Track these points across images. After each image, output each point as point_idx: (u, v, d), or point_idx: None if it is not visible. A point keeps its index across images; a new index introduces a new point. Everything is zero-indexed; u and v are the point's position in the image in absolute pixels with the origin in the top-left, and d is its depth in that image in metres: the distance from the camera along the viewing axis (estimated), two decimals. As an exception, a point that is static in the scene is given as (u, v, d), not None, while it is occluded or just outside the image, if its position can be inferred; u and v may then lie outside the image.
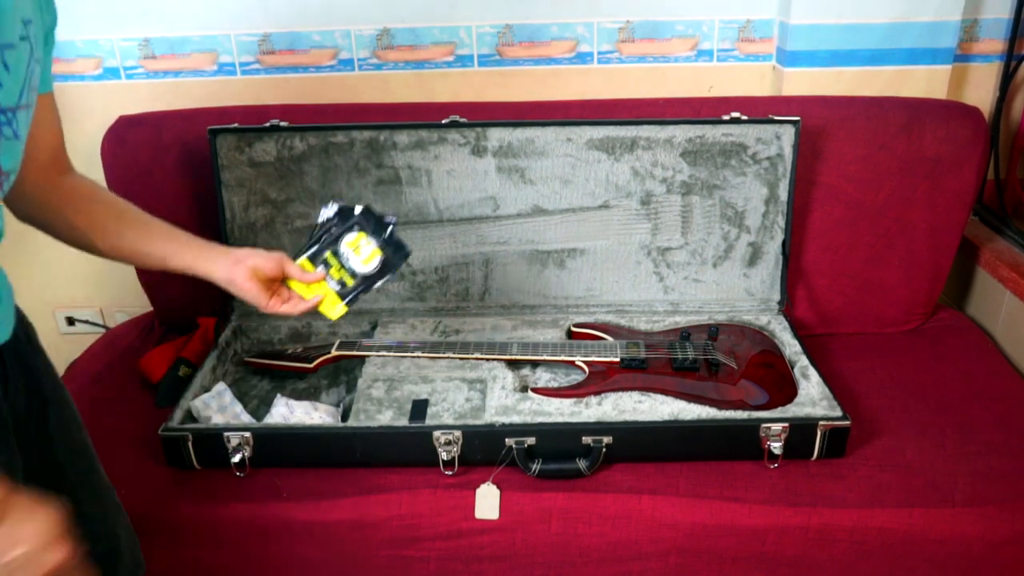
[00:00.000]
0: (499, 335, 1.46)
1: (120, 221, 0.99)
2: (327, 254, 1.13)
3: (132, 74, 1.73)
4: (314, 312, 1.09)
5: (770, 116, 1.43)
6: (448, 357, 1.36)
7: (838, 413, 1.21)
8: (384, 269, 1.15)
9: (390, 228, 1.15)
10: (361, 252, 1.14)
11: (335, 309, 1.13)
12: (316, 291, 1.11)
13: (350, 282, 1.13)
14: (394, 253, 1.15)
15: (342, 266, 1.13)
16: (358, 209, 1.15)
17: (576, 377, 1.33)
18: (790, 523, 1.13)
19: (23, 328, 0.88)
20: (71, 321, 1.98)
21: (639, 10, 1.67)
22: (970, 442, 1.24)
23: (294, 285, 1.11)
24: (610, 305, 1.54)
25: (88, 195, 0.98)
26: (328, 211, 1.15)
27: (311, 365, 1.37)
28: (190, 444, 1.20)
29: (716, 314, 1.52)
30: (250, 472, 1.21)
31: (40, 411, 0.88)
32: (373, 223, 1.14)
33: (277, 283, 1.09)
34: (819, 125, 1.48)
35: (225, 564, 1.20)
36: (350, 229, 1.14)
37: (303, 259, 1.13)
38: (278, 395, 1.33)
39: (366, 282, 1.14)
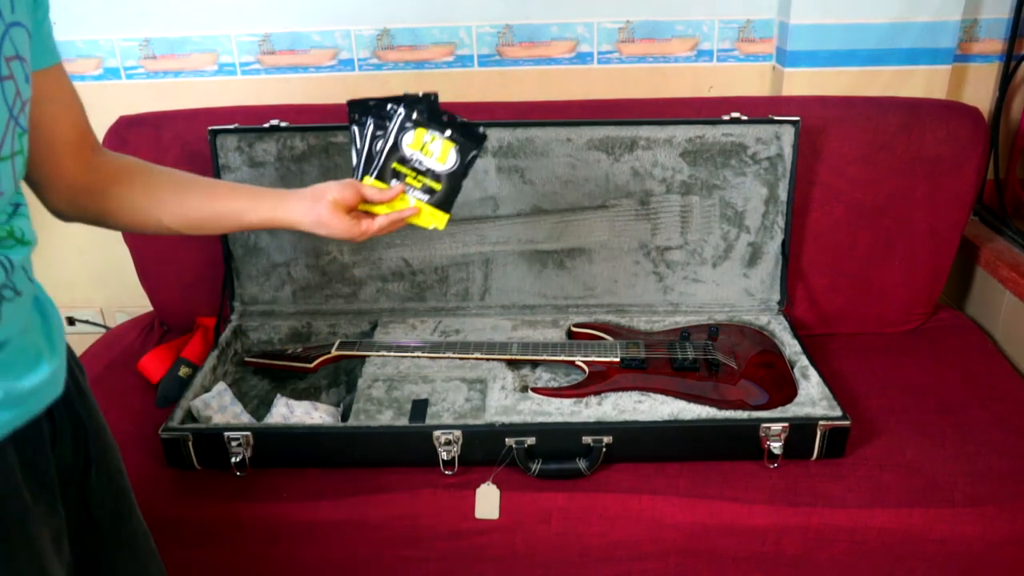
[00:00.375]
0: (499, 335, 1.46)
1: (181, 188, 0.91)
2: (394, 165, 1.03)
3: (132, 74, 1.73)
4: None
5: (770, 116, 1.43)
6: (448, 357, 1.36)
7: (838, 413, 1.21)
8: (464, 161, 1.04)
9: (450, 117, 1.03)
10: (432, 151, 1.03)
11: (437, 219, 1.04)
12: (403, 206, 1.03)
13: (437, 186, 1.04)
14: (466, 138, 1.03)
15: (418, 172, 1.03)
16: (394, 105, 1.02)
17: (576, 377, 1.33)
18: (790, 523, 1.13)
19: (73, 374, 0.82)
20: (71, 321, 1.99)
21: (639, 10, 1.67)
22: (970, 442, 1.24)
23: (375, 208, 1.02)
24: (610, 305, 1.54)
25: (137, 168, 0.90)
26: (360, 118, 1.04)
27: (311, 365, 1.37)
28: (190, 444, 1.20)
29: (716, 314, 1.52)
30: (250, 472, 1.21)
31: (84, 463, 0.82)
32: (425, 112, 1.03)
33: (356, 211, 1.01)
34: (819, 125, 1.48)
35: (225, 564, 1.20)
36: (404, 129, 1.03)
37: (371, 179, 1.03)
38: (278, 395, 1.33)
39: (453, 180, 1.04)
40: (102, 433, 0.86)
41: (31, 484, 0.72)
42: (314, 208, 0.97)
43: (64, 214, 0.87)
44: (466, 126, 1.04)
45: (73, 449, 0.80)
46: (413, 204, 1.04)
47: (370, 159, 1.04)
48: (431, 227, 1.05)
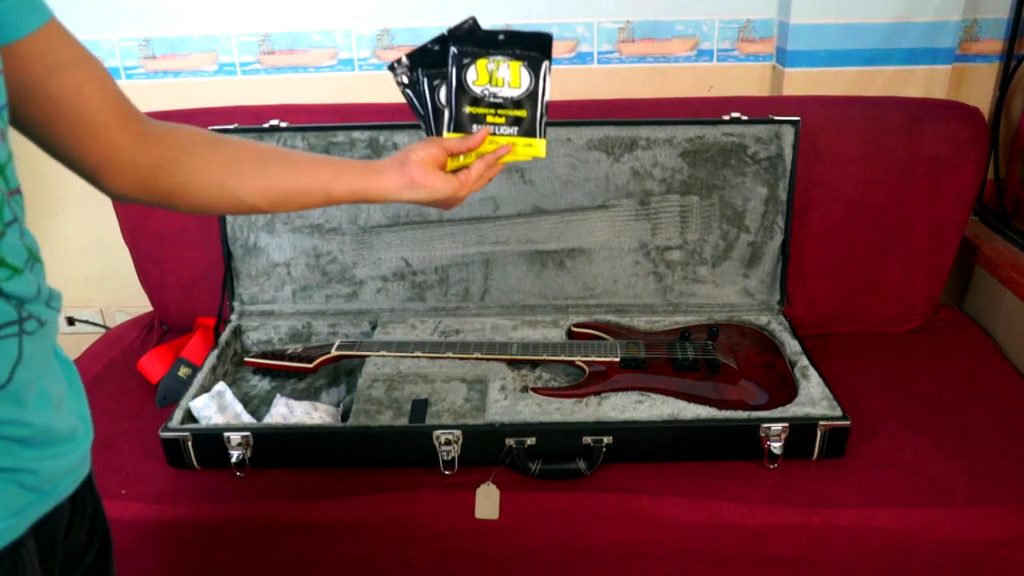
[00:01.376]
0: (499, 335, 1.46)
1: (260, 159, 0.82)
2: (468, 109, 0.93)
3: (132, 74, 1.73)
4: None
5: (770, 116, 1.43)
6: (448, 357, 1.36)
7: (838, 413, 1.21)
8: (539, 74, 0.93)
9: (504, 36, 0.92)
10: (502, 78, 0.93)
11: (535, 148, 0.95)
12: (492, 148, 0.93)
13: (522, 113, 0.94)
14: (532, 50, 0.93)
15: (496, 107, 0.94)
16: (439, 48, 0.92)
17: (576, 377, 1.33)
18: (790, 523, 1.13)
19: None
20: (71, 321, 1.99)
21: (639, 10, 1.67)
22: (970, 442, 1.24)
23: (462, 161, 0.93)
24: (610, 305, 1.54)
25: (205, 138, 0.80)
26: (409, 77, 0.94)
27: (311, 365, 1.37)
28: (190, 444, 1.20)
29: (716, 314, 1.52)
30: (250, 472, 1.21)
31: (101, 549, 0.74)
32: (477, 41, 0.92)
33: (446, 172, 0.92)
34: (819, 125, 1.48)
35: (225, 564, 1.20)
36: (463, 67, 0.93)
37: (451, 133, 0.93)
38: (278, 395, 1.33)
39: (533, 100, 0.94)
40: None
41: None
42: (406, 172, 0.88)
43: (128, 196, 0.76)
44: (526, 37, 0.93)
45: (89, 530, 0.72)
46: (504, 143, 0.94)
47: (438, 113, 0.94)
48: (531, 159, 0.95)
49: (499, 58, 0.93)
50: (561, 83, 1.73)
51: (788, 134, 1.43)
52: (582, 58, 1.71)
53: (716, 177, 1.47)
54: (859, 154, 1.50)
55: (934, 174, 1.49)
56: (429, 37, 1.76)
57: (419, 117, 0.96)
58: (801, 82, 1.62)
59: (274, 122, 1.44)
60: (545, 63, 0.94)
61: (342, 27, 1.69)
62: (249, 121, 1.45)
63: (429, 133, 0.96)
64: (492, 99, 0.94)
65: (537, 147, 0.95)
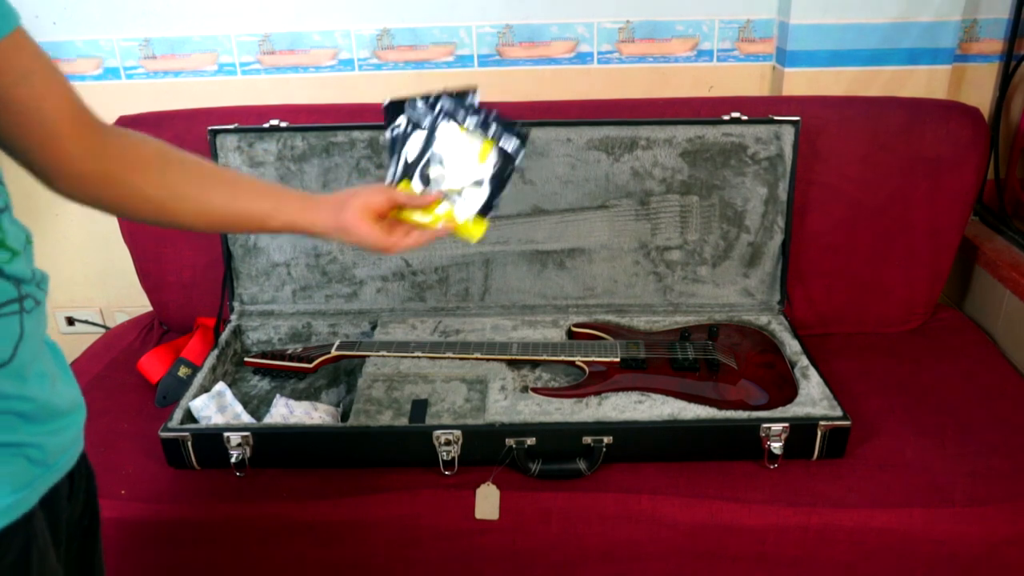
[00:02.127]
0: (499, 335, 1.46)
1: (202, 183, 0.83)
2: (431, 169, 0.96)
3: (132, 74, 1.73)
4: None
5: (770, 116, 1.43)
6: (448, 357, 1.36)
7: (838, 413, 1.21)
8: (505, 161, 0.95)
9: (488, 114, 0.95)
10: (469, 151, 0.95)
11: (474, 227, 0.97)
12: (439, 215, 0.95)
13: (475, 190, 0.97)
14: (506, 136, 0.95)
15: (455, 175, 0.97)
16: (430, 102, 0.95)
17: (576, 377, 1.33)
18: (790, 523, 1.13)
19: None
20: (71, 321, 1.99)
21: (639, 10, 1.67)
22: (970, 442, 1.24)
23: (408, 216, 0.95)
24: (610, 305, 1.54)
25: (155, 158, 0.80)
26: (395, 118, 0.97)
27: (311, 365, 1.37)
28: (190, 444, 1.20)
29: (715, 314, 1.52)
30: (250, 472, 1.21)
31: (91, 519, 0.78)
32: (463, 110, 0.96)
33: (387, 220, 0.95)
34: (819, 125, 1.48)
35: (225, 564, 1.20)
36: (436, 130, 0.96)
37: (404, 183, 0.96)
38: (278, 395, 1.33)
39: (493, 183, 0.96)
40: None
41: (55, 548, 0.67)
42: (339, 214, 0.90)
43: (75, 199, 0.76)
44: (512, 125, 0.97)
45: (84, 503, 0.75)
46: (446, 209, 0.97)
47: (407, 164, 0.97)
48: (468, 237, 0.98)
49: (475, 131, 0.96)
50: (561, 83, 1.74)
51: (788, 134, 1.43)
52: (582, 58, 1.71)
53: (716, 177, 1.47)
54: (859, 154, 1.50)
55: (934, 174, 1.49)
56: (429, 37, 1.77)
57: (390, 158, 1.00)
58: (801, 82, 1.62)
59: (274, 122, 1.44)
60: (519, 158, 0.97)
61: (342, 27, 1.69)
62: (249, 121, 1.45)
63: (391, 178, 1.00)
64: (454, 167, 0.96)
65: (479, 229, 0.98)
